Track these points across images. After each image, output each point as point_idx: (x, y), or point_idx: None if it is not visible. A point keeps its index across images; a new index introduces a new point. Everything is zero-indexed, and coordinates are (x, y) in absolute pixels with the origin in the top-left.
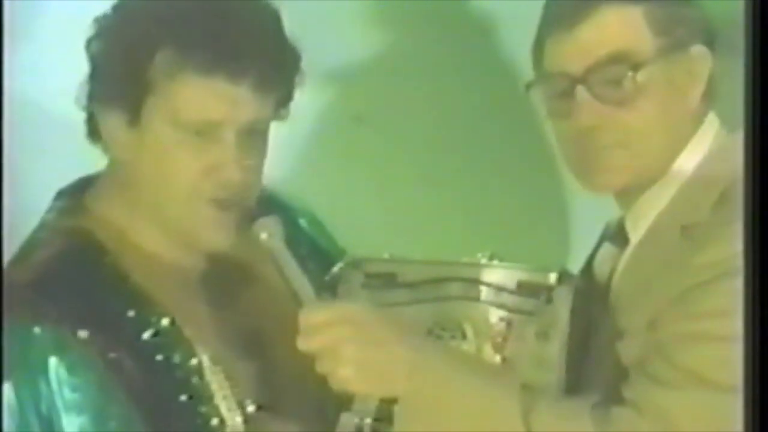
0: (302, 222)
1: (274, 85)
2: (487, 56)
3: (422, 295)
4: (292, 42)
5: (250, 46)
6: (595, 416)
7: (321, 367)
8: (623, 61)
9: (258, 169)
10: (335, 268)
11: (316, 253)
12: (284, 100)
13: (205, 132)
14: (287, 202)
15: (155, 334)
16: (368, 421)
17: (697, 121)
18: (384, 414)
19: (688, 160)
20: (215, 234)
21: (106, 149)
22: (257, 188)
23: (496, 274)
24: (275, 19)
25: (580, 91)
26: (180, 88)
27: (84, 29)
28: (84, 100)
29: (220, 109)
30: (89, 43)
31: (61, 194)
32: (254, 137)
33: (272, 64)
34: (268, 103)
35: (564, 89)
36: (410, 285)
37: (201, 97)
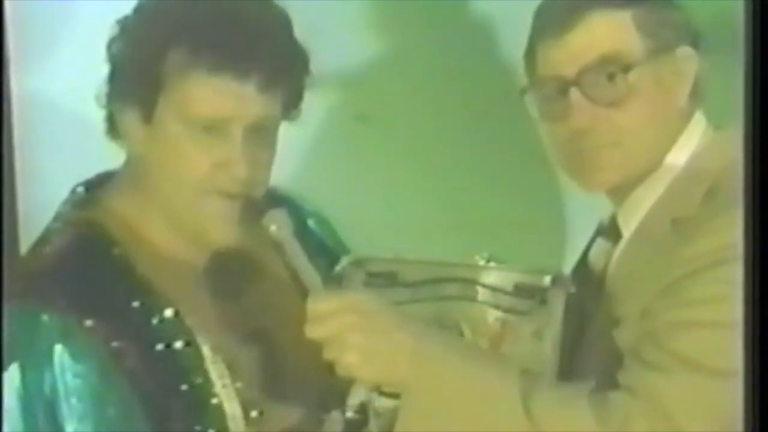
0: (310, 222)
1: (281, 86)
2: (486, 59)
3: (422, 295)
4: (300, 43)
5: (257, 47)
6: (593, 400)
7: (327, 354)
8: (614, 62)
9: (266, 166)
10: (338, 267)
11: (324, 252)
12: (294, 100)
13: (213, 128)
14: (296, 203)
15: (158, 324)
16: (350, 414)
17: (685, 119)
18: (366, 407)
19: (678, 157)
20: (221, 229)
21: (123, 146)
22: (265, 185)
23: (494, 276)
24: (285, 21)
25: (574, 93)
26: (190, 85)
27: (97, 29)
28: (104, 99)
29: (227, 106)
30: (110, 44)
31: (77, 188)
32: (262, 135)
33: (279, 65)
34: (275, 103)
35: (557, 92)
36: (410, 284)
37: (209, 94)
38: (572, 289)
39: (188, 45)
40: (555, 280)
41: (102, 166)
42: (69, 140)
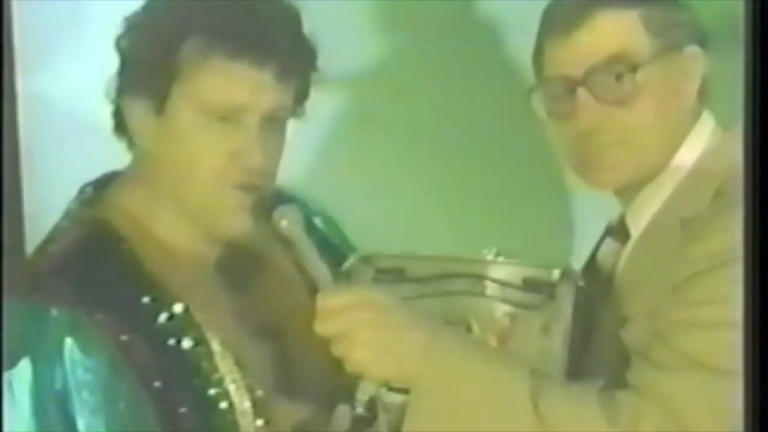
0: (317, 220)
1: (295, 76)
2: (493, 58)
3: (430, 290)
4: (310, 39)
5: (272, 37)
6: (602, 399)
7: (337, 350)
8: (622, 62)
9: (277, 158)
10: (346, 263)
11: (330, 251)
12: (302, 95)
13: (229, 117)
14: (302, 201)
15: (168, 319)
16: (360, 410)
17: (693, 118)
18: (375, 404)
19: (686, 157)
20: (234, 220)
21: (130, 143)
22: (274, 178)
23: (502, 271)
24: (295, 14)
25: (581, 92)
26: (206, 73)
27: (103, 30)
28: (113, 95)
29: (243, 94)
30: (119, 40)
31: (85, 187)
32: (274, 126)
33: (292, 55)
34: (289, 94)
35: (565, 92)
36: (419, 280)
37: (226, 82)
38: (581, 283)
39: (205, 33)
40: (564, 275)
41: (107, 167)
42: (74, 141)
